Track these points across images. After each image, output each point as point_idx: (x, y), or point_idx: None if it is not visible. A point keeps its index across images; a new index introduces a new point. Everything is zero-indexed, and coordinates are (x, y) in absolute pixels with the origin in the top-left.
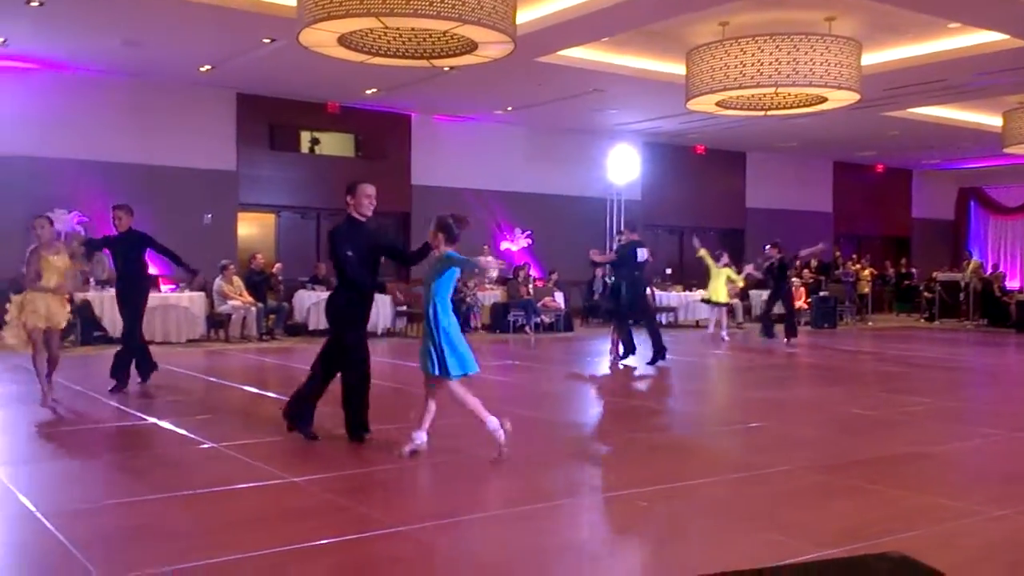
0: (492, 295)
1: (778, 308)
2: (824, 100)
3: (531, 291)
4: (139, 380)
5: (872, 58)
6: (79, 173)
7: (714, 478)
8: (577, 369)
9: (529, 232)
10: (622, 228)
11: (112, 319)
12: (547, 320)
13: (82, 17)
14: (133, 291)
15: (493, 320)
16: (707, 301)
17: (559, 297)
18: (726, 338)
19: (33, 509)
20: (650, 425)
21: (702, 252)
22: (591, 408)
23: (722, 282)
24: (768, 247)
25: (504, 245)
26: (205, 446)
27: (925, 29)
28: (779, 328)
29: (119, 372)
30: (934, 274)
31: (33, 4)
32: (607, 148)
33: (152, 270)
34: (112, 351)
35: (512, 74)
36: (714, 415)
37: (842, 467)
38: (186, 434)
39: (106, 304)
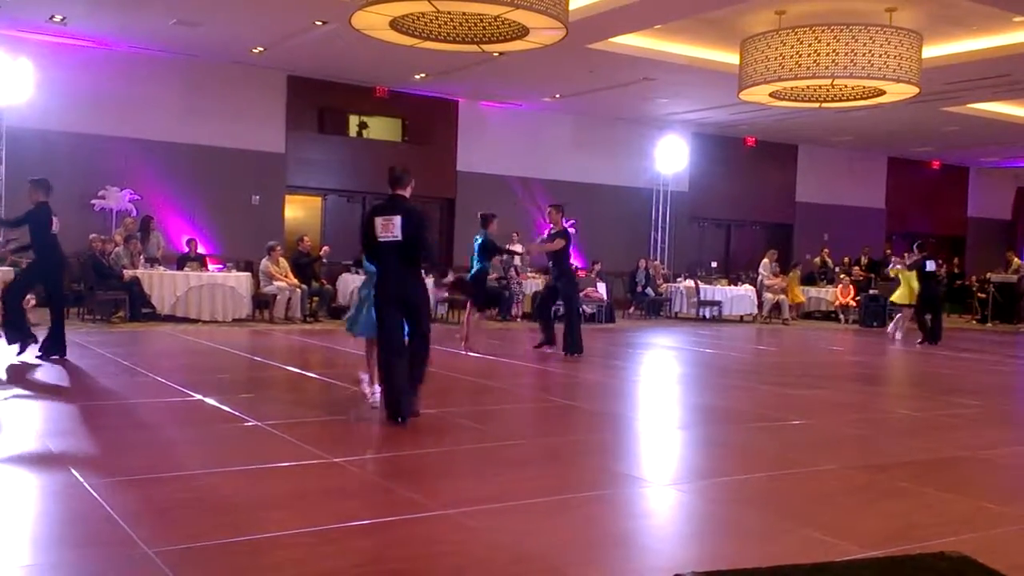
0: (534, 284)
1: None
2: (882, 93)
3: None
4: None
5: (933, 51)
6: (131, 151)
7: (758, 474)
8: (618, 360)
9: (573, 222)
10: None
11: (160, 296)
12: (589, 310)
13: None
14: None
15: (534, 308)
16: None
17: (601, 288)
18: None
19: (80, 479)
20: (687, 418)
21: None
22: (633, 399)
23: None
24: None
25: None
26: (248, 424)
27: (989, 22)
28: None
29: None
30: (988, 275)
31: None
32: (655, 138)
33: (200, 249)
34: (160, 328)
35: (562, 60)
36: (755, 411)
37: (888, 467)
38: (230, 411)
39: (155, 281)
